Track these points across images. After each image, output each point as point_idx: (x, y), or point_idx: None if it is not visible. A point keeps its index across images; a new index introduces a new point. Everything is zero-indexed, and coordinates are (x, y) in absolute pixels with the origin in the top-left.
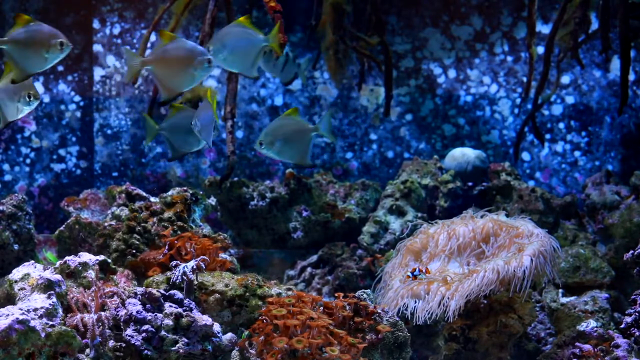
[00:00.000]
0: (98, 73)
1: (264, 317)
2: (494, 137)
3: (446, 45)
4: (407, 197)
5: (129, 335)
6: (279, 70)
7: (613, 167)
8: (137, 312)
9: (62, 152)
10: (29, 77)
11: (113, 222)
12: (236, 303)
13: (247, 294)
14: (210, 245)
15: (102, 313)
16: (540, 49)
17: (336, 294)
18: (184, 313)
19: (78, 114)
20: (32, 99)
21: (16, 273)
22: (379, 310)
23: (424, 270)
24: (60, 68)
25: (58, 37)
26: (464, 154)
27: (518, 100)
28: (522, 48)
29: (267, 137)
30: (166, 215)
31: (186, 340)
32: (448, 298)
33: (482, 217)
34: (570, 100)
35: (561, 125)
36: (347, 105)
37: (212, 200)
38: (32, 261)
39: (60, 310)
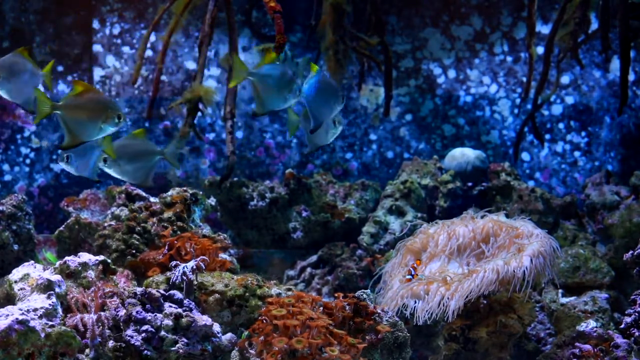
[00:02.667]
0: (98, 73)
1: (263, 317)
2: (493, 137)
3: (446, 46)
4: (407, 197)
5: (129, 336)
6: None
7: (613, 167)
8: (137, 312)
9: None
10: (80, 144)
11: (113, 223)
12: (236, 303)
13: (247, 294)
14: (210, 246)
15: (102, 313)
16: (540, 49)
17: (336, 294)
18: (184, 313)
19: None
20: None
21: (16, 273)
22: (379, 311)
23: (416, 267)
24: (60, 68)
25: (116, 109)
26: (463, 154)
27: (518, 101)
28: (522, 48)
29: (65, 153)
30: (166, 215)
31: (186, 341)
32: (448, 298)
33: (482, 217)
34: (570, 100)
35: (561, 125)
36: (347, 106)
37: (212, 201)
38: (32, 261)
39: (60, 311)
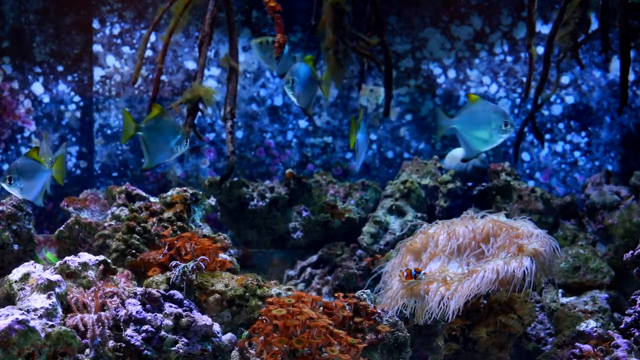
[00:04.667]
0: (98, 73)
1: (263, 317)
2: None
3: (446, 46)
4: (407, 197)
5: (129, 336)
6: (274, 63)
7: (613, 167)
8: (137, 312)
9: None
10: (157, 167)
11: (113, 222)
12: (236, 303)
13: (247, 294)
14: (210, 246)
15: (102, 313)
16: (540, 49)
17: (336, 294)
18: (184, 313)
19: (78, 114)
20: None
21: (16, 273)
22: (379, 311)
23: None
24: (60, 68)
25: (185, 132)
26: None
27: (518, 101)
28: (522, 48)
29: (8, 174)
30: (166, 215)
31: (186, 341)
32: (448, 298)
33: (482, 217)
34: (570, 100)
35: (561, 125)
36: (347, 105)
37: (212, 201)
38: (32, 261)
39: (60, 311)
